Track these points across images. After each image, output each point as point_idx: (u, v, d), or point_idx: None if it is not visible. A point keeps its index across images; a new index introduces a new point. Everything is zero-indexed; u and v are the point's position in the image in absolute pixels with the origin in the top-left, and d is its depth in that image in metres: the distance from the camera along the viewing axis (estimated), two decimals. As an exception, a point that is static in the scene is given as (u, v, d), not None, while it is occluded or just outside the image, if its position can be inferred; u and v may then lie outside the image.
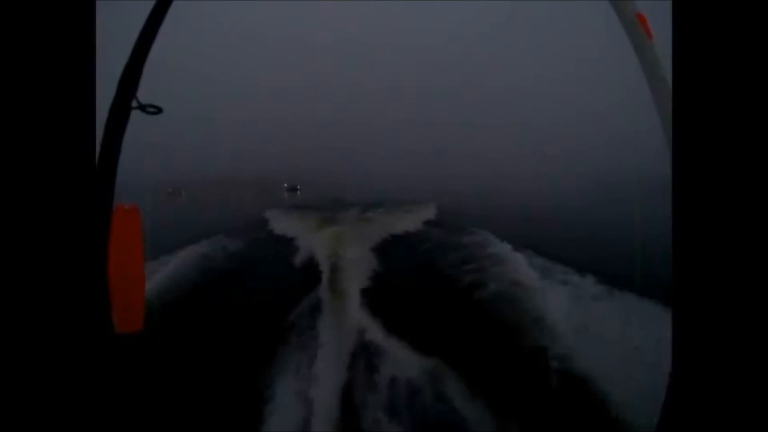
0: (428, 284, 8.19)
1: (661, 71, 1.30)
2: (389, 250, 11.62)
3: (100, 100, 1.07)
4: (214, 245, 12.07)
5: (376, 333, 5.55)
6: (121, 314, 1.15)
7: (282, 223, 16.59)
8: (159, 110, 1.27)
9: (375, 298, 6.93)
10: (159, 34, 1.27)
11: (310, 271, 8.92)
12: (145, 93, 1.23)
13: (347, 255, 9.90)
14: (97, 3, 1.00)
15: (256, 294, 7.70)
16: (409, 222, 16.13)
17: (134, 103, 1.21)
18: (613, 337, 4.79)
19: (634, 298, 5.75)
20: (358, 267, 9.00)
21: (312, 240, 12.46)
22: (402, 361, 4.83)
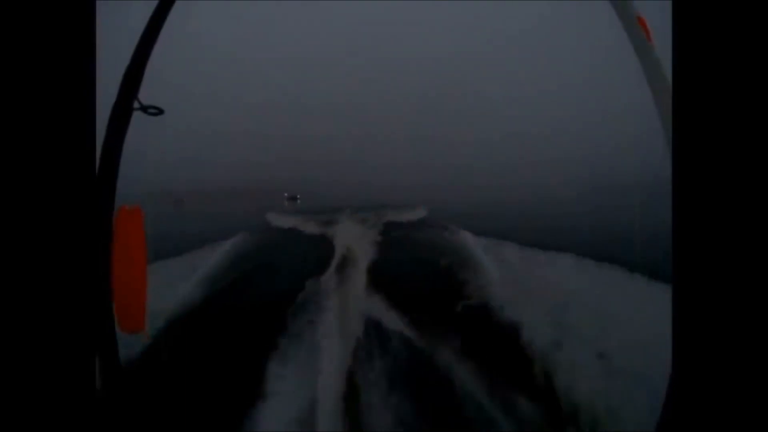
0: (418, 270, 9.35)
1: (662, 73, 1.30)
2: (387, 240, 13.27)
3: (101, 101, 1.07)
4: (242, 240, 13.28)
5: (380, 309, 6.41)
6: (123, 314, 1.15)
7: (288, 222, 18.51)
8: (160, 111, 1.27)
9: (377, 279, 8.11)
10: (160, 42, 1.27)
11: (320, 258, 10.21)
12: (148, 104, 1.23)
13: (352, 243, 11.63)
14: (97, 3, 1.00)
15: (277, 281, 8.63)
16: (404, 217, 18.26)
17: (136, 104, 1.21)
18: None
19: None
20: (361, 253, 10.53)
21: (320, 232, 14.65)
22: (403, 333, 5.49)
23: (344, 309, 6.47)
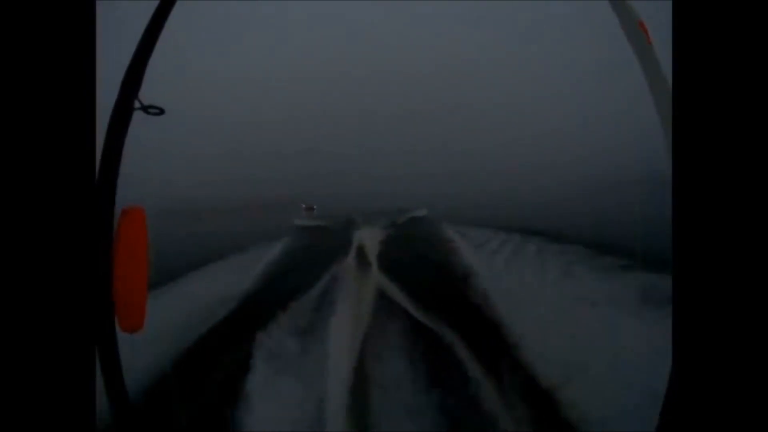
0: (418, 258, 11.91)
1: (662, 73, 1.30)
2: (393, 235, 16.78)
3: (101, 101, 1.07)
4: (290, 241, 16.26)
5: (387, 286, 8.40)
6: (124, 314, 1.15)
7: (315, 225, 22.67)
8: (161, 111, 1.27)
9: (385, 265, 10.57)
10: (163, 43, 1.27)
11: (341, 250, 12.78)
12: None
13: (365, 238, 14.78)
14: (97, 3, 1.00)
15: (312, 271, 10.48)
16: (408, 216, 22.50)
17: (136, 104, 1.21)
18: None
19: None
20: (373, 245, 13.55)
21: (339, 231, 18.38)
22: (409, 309, 6.89)
23: (360, 286, 8.54)
